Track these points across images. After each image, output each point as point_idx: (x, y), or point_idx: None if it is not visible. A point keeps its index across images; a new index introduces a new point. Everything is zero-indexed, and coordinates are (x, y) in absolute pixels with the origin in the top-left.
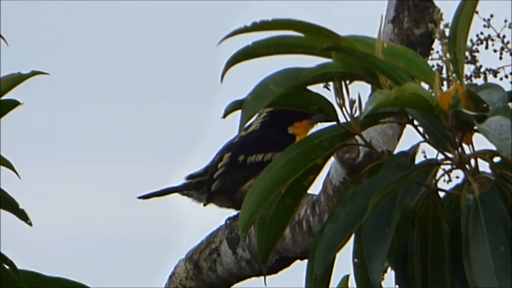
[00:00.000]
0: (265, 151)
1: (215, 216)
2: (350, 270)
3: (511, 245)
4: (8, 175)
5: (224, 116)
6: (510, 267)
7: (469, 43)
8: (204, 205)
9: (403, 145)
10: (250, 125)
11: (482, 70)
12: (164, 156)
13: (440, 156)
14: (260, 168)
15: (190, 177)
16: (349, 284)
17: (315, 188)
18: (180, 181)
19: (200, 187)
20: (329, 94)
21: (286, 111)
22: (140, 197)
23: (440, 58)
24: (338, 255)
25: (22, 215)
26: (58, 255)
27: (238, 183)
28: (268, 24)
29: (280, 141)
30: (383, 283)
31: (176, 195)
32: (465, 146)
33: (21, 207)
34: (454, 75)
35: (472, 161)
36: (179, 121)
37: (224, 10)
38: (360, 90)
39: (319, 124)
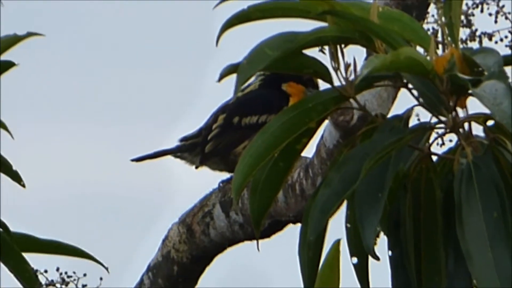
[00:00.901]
0: (260, 113)
1: (209, 179)
2: (343, 235)
3: (504, 211)
4: (1, 135)
5: (220, 79)
6: (503, 233)
7: (464, 7)
8: (196, 167)
9: (397, 108)
10: (248, 87)
11: (477, 34)
12: (159, 119)
13: (434, 120)
14: (255, 130)
15: (183, 139)
16: (341, 249)
17: (309, 151)
18: (174, 143)
19: (193, 149)
20: (325, 58)
21: (284, 73)
22: (133, 160)
23: (436, 21)
24: (331, 220)
25: (16, 177)
26: (51, 217)
27: (232, 145)
28: None
29: (274, 103)
30: (375, 248)
31: (169, 157)
32: (459, 110)
33: (14, 168)
34: (449, 39)
35: (466, 125)
36: (174, 84)
37: None
38: (355, 53)
39: None
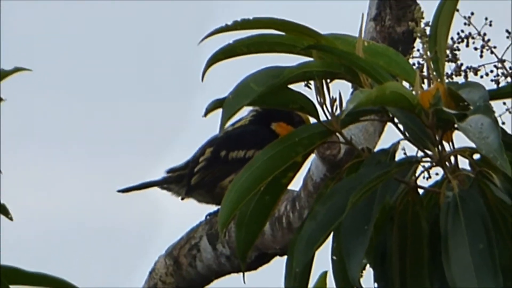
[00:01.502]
0: (247, 148)
1: (196, 211)
2: (329, 267)
3: (490, 243)
4: None
5: (205, 114)
6: (489, 265)
7: (449, 41)
8: (182, 198)
9: (384, 142)
10: (238, 121)
11: (463, 68)
12: (145, 151)
13: (420, 154)
14: (242, 165)
15: (170, 170)
16: (327, 281)
17: (296, 184)
18: (160, 175)
19: (180, 180)
20: (310, 93)
21: (274, 110)
22: (119, 191)
23: (421, 56)
24: (317, 252)
25: (3, 210)
26: (37, 249)
27: (218, 178)
28: (249, 23)
29: (262, 139)
30: (361, 281)
31: (156, 189)
32: (445, 144)
33: (1, 201)
34: (434, 73)
35: (452, 159)
36: (160, 117)
37: (205, 9)
38: (341, 88)
39: None
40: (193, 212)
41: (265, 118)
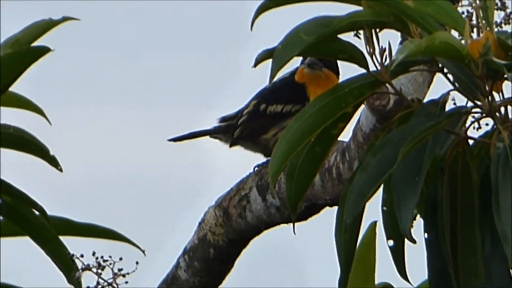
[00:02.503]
0: (285, 103)
1: (245, 162)
2: (379, 217)
3: None
4: (39, 121)
5: (255, 65)
6: None
7: None
8: (230, 146)
9: (433, 93)
10: (285, 73)
11: None
12: (196, 100)
13: (470, 104)
14: (279, 119)
15: (222, 119)
16: (377, 231)
17: (345, 135)
18: (211, 125)
19: (228, 131)
20: (360, 43)
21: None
22: (170, 140)
23: (470, 4)
24: (367, 204)
25: (53, 161)
26: (89, 200)
27: (259, 131)
28: None
29: (296, 93)
30: (412, 231)
31: (206, 138)
32: (495, 94)
33: (51, 153)
34: (484, 22)
35: (502, 109)
36: (211, 67)
37: None
38: (390, 38)
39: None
40: (242, 163)
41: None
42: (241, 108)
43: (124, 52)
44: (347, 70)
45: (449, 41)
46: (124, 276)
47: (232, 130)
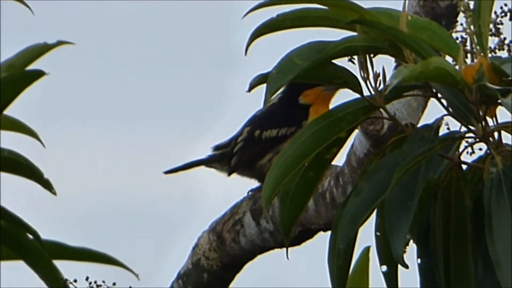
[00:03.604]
0: (280, 126)
1: (239, 187)
2: (372, 243)
3: None
4: (33, 144)
5: (250, 89)
6: None
7: (493, 15)
8: (228, 175)
9: (427, 118)
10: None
11: (506, 42)
12: (189, 126)
13: (464, 129)
14: (276, 143)
15: (215, 148)
16: (370, 257)
17: (339, 160)
18: (205, 152)
19: (222, 159)
20: (354, 68)
21: (299, 83)
22: (166, 172)
23: (464, 30)
24: (361, 229)
25: (47, 185)
26: (83, 224)
27: (255, 158)
28: None
29: (292, 115)
30: (405, 257)
31: (201, 167)
32: (488, 119)
33: (45, 176)
34: (478, 47)
35: (496, 134)
36: (204, 93)
37: None
38: (384, 63)
39: (338, 91)
40: (236, 188)
41: (291, 91)
42: (234, 135)
43: (117, 81)
44: (342, 95)
45: (443, 66)
46: None
47: (227, 158)
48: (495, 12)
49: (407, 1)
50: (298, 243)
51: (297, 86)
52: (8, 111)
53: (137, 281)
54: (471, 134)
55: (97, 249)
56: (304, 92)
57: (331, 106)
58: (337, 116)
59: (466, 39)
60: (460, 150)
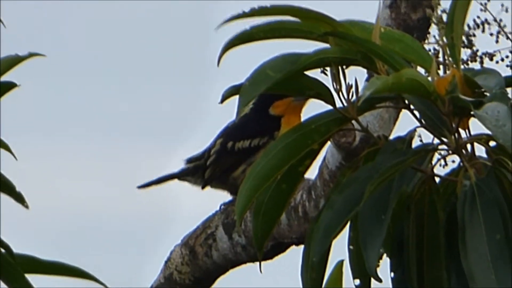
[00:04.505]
0: (252, 137)
1: (211, 200)
2: (345, 256)
3: (507, 233)
4: (5, 157)
5: (222, 101)
6: (506, 255)
7: (465, 28)
8: (202, 188)
9: (399, 130)
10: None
11: (478, 54)
12: (162, 138)
13: (436, 141)
14: (249, 154)
15: (188, 161)
16: (344, 270)
17: (311, 173)
18: (178, 164)
19: (196, 172)
20: (327, 79)
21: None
22: (140, 187)
23: (437, 42)
24: (334, 242)
25: (19, 198)
26: (55, 238)
27: (228, 170)
28: (266, 10)
29: (264, 126)
30: (378, 270)
31: (175, 181)
32: (461, 131)
33: (17, 189)
34: (450, 59)
35: (469, 147)
36: (177, 104)
37: None
38: (356, 75)
39: (307, 102)
40: (208, 201)
41: (263, 104)
42: (207, 148)
43: (89, 92)
44: (313, 107)
45: (416, 78)
46: None
47: (200, 171)
48: (468, 24)
49: (379, 13)
50: (271, 257)
51: (267, 97)
52: None
53: None
54: (444, 146)
55: (70, 263)
56: (274, 103)
57: (302, 116)
58: (309, 128)
59: (438, 51)
60: (433, 162)
